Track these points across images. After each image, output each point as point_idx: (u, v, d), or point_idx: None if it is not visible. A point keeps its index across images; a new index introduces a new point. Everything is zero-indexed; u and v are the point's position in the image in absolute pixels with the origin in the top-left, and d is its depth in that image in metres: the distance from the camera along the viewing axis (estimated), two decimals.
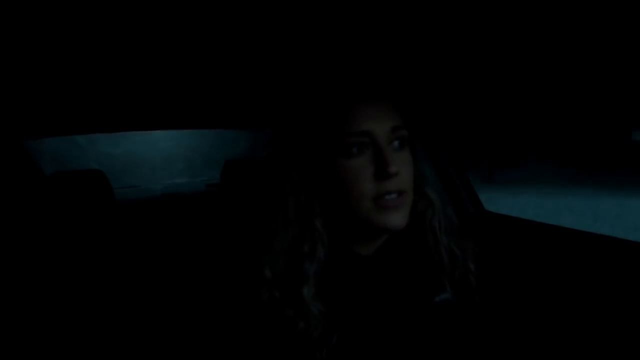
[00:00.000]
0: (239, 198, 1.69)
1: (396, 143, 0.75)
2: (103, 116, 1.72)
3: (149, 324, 1.52)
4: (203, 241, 1.36)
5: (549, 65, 1.16)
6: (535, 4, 0.76)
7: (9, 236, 1.57)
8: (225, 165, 1.76)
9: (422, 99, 1.47)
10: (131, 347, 1.50)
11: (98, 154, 4.01)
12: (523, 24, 0.88)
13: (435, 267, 0.82)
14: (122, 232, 1.86)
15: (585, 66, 1.14)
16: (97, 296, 1.59)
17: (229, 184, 1.73)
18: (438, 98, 1.52)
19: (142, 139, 4.32)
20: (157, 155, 4.42)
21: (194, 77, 1.36)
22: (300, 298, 0.71)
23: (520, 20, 0.85)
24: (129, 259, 1.73)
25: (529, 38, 0.96)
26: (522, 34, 0.94)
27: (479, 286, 0.83)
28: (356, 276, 0.77)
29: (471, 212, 1.59)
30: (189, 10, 0.80)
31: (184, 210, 2.18)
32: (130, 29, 0.88)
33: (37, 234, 1.65)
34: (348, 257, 0.78)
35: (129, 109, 1.68)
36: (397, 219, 0.73)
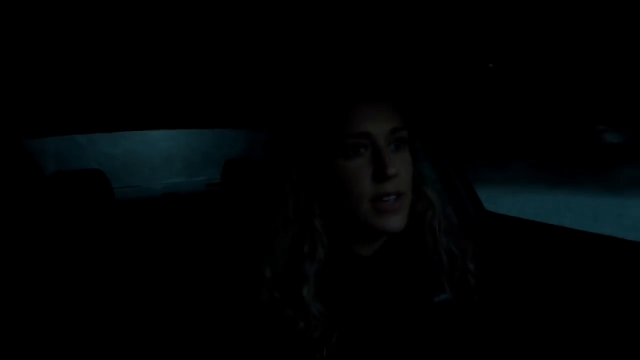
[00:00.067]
0: (239, 198, 1.69)
1: (395, 144, 0.75)
2: (103, 116, 1.72)
3: (149, 324, 1.52)
4: (203, 241, 1.36)
5: (540, 68, 1.17)
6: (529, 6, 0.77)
7: (10, 236, 1.57)
8: (226, 165, 1.76)
9: (422, 99, 1.47)
10: (131, 347, 1.50)
11: (98, 154, 4.01)
12: (516, 25, 0.88)
13: (435, 267, 0.82)
14: (123, 232, 1.86)
15: (563, 72, 1.16)
16: (97, 296, 1.59)
17: (229, 184, 1.73)
18: (438, 98, 1.52)
19: (142, 139, 4.33)
20: (157, 155, 4.43)
21: (194, 78, 1.36)
22: (300, 298, 0.71)
23: (513, 21, 0.85)
24: (130, 259, 1.73)
25: (525, 39, 0.96)
26: (516, 36, 0.94)
27: (478, 286, 0.83)
28: (356, 277, 0.77)
29: (471, 212, 1.60)
30: (188, 11, 0.80)
31: (184, 210, 2.17)
32: (130, 29, 0.88)
33: (37, 234, 1.65)
34: (348, 258, 0.78)
35: (129, 108, 1.68)
36: (396, 222, 0.73)
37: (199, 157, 4.46)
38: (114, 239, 1.79)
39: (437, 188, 0.88)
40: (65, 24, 0.83)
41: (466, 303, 0.82)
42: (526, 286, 1.22)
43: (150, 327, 1.50)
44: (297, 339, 0.71)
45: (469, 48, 1.04)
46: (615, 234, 1.18)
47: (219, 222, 1.36)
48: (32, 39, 0.89)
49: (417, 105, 1.46)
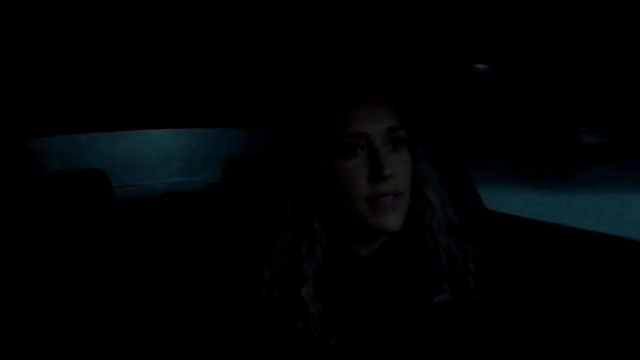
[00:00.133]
0: (239, 197, 1.69)
1: (393, 144, 0.75)
2: (103, 115, 1.72)
3: (148, 324, 1.52)
4: (203, 241, 1.36)
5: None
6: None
7: (10, 235, 1.57)
8: (226, 165, 1.76)
9: (421, 98, 1.47)
10: (131, 346, 1.50)
11: (98, 154, 4.02)
12: (511, 24, 0.88)
13: (434, 268, 0.82)
14: (123, 231, 1.86)
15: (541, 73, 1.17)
16: (96, 294, 1.59)
17: (229, 183, 1.73)
18: (438, 96, 1.52)
19: (141, 138, 4.35)
20: (156, 154, 4.45)
21: (193, 77, 1.36)
22: (298, 298, 0.71)
23: (508, 20, 0.85)
24: (130, 258, 1.74)
25: (521, 38, 0.96)
26: (512, 35, 0.94)
27: (478, 287, 0.82)
28: (355, 277, 0.77)
29: (472, 210, 1.59)
30: (188, 11, 0.80)
31: (184, 210, 2.18)
32: (129, 29, 0.88)
33: (37, 233, 1.65)
34: (347, 258, 0.78)
35: (130, 107, 1.68)
36: (392, 220, 0.72)
37: (198, 157, 4.47)
38: (113, 238, 1.80)
39: (438, 187, 0.88)
40: (65, 24, 0.83)
41: (465, 303, 0.82)
42: (527, 285, 1.22)
43: (150, 327, 1.50)
44: (295, 339, 0.71)
45: (466, 46, 1.04)
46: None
47: (219, 221, 1.36)
48: (32, 38, 0.89)
49: (416, 104, 1.46)
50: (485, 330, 0.84)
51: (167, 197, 2.49)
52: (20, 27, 0.82)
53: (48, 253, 1.63)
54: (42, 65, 1.11)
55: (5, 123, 1.57)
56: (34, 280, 1.53)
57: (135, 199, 2.46)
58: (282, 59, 1.14)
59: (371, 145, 0.72)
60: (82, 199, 1.69)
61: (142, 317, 1.55)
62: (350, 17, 0.84)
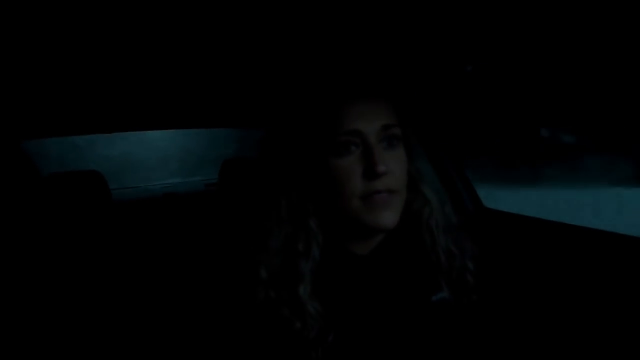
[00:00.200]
0: (236, 197, 1.69)
1: (388, 141, 0.74)
2: (100, 116, 1.72)
3: (147, 325, 1.52)
4: (200, 241, 1.36)
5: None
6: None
7: (5, 239, 1.56)
8: (223, 165, 1.75)
9: (418, 95, 1.47)
10: (128, 347, 1.49)
11: (97, 156, 4.03)
12: (506, 23, 0.88)
13: (432, 266, 0.81)
14: (121, 233, 1.86)
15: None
16: (95, 297, 1.58)
17: (226, 183, 1.73)
18: (436, 94, 1.52)
19: (138, 139, 4.35)
20: (153, 155, 4.45)
21: (189, 78, 1.36)
22: (296, 297, 0.71)
23: (503, 18, 0.85)
24: (128, 260, 1.73)
25: (516, 37, 0.96)
26: (506, 33, 0.95)
27: (477, 285, 0.82)
28: (352, 275, 0.77)
29: (470, 209, 1.59)
30: (184, 13, 0.80)
31: (182, 210, 2.17)
32: (126, 30, 0.88)
33: (32, 236, 1.65)
34: (343, 257, 0.77)
35: (126, 109, 1.67)
36: (387, 217, 0.72)
37: (194, 158, 4.48)
38: (111, 240, 1.79)
39: (435, 185, 0.88)
40: (62, 25, 0.83)
41: (464, 302, 0.81)
42: (525, 283, 1.22)
43: (148, 328, 1.50)
44: (292, 338, 0.71)
45: (462, 44, 1.04)
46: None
47: (216, 221, 1.36)
48: (29, 40, 0.89)
49: (413, 102, 1.46)
50: (484, 329, 0.84)
51: (165, 198, 2.49)
52: (18, 29, 0.82)
53: (44, 256, 1.63)
54: (38, 67, 1.11)
55: (1, 125, 1.57)
56: (31, 284, 1.53)
57: (134, 201, 2.46)
58: (277, 58, 1.14)
59: (365, 142, 0.72)
60: (78, 202, 1.68)
61: (141, 318, 1.55)
62: (345, 15, 0.84)
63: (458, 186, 1.58)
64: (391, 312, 0.76)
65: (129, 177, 3.87)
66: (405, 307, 0.77)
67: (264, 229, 0.75)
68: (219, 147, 4.11)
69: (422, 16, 0.86)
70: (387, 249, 0.80)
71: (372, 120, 0.73)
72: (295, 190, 0.76)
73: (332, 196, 0.73)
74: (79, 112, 1.64)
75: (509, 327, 1.00)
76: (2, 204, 1.59)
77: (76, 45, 0.95)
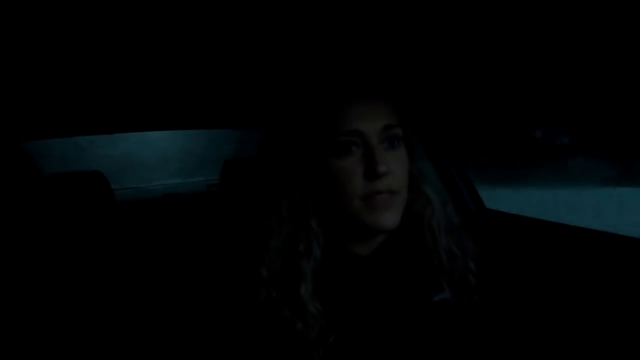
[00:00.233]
0: (238, 198, 1.69)
1: (389, 142, 0.74)
2: (101, 117, 1.72)
3: (149, 326, 1.52)
4: (202, 242, 1.36)
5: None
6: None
7: (6, 239, 1.56)
8: (225, 165, 1.75)
9: (420, 96, 1.47)
10: (131, 347, 1.50)
11: (98, 156, 4.04)
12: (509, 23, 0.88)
13: (434, 267, 0.81)
14: (123, 234, 1.86)
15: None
16: (97, 297, 1.59)
17: (228, 183, 1.73)
18: (437, 94, 1.52)
19: (139, 139, 4.36)
20: (154, 156, 4.46)
21: (190, 78, 1.36)
22: (297, 297, 0.71)
23: (506, 18, 0.85)
24: (130, 261, 1.73)
25: (518, 37, 0.97)
26: (509, 33, 0.95)
27: (478, 285, 0.82)
28: (353, 276, 0.76)
29: (472, 209, 1.59)
30: (184, 14, 0.80)
31: (185, 211, 2.17)
32: (126, 31, 0.88)
33: (33, 237, 1.65)
34: (345, 257, 0.77)
35: (128, 110, 1.67)
36: (388, 218, 0.72)
37: (194, 158, 4.50)
38: (114, 241, 1.79)
39: (437, 186, 0.88)
40: (64, 26, 0.83)
41: (466, 302, 0.81)
42: (527, 284, 1.21)
43: (150, 329, 1.50)
44: (294, 338, 0.71)
45: (464, 44, 1.04)
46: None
47: (218, 222, 1.36)
48: (30, 41, 0.89)
49: (414, 102, 1.45)
50: (485, 329, 0.83)
51: (167, 198, 2.49)
52: (19, 29, 0.82)
53: (47, 257, 1.63)
54: (39, 68, 1.11)
55: (1, 125, 1.57)
56: (34, 284, 1.53)
57: (136, 201, 2.46)
58: (278, 58, 1.14)
59: (366, 143, 0.72)
60: (80, 202, 1.68)
61: (143, 318, 1.55)
62: (346, 15, 0.84)
63: (459, 186, 1.58)
64: (392, 313, 0.76)
65: (130, 177, 3.88)
66: (407, 308, 0.77)
67: (265, 229, 0.75)
68: (219, 147, 4.12)
69: (423, 16, 0.86)
70: (388, 249, 0.80)
71: (373, 121, 0.72)
72: (296, 190, 0.76)
73: (333, 196, 0.73)
74: (79, 113, 1.64)
75: (510, 328, 1.00)
76: (3, 205, 1.60)
77: (77, 46, 0.96)
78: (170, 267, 1.64)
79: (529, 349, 1.11)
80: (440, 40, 1.00)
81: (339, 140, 0.72)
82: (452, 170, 1.59)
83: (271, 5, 0.78)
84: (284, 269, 0.73)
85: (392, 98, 0.78)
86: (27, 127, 1.66)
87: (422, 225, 0.82)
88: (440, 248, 0.81)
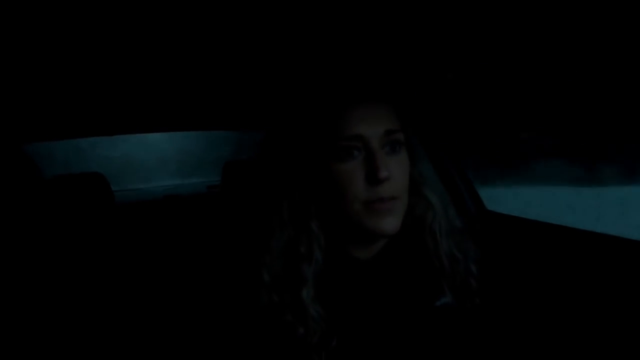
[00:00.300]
0: (239, 200, 1.69)
1: (390, 146, 0.74)
2: (101, 119, 1.72)
3: (149, 328, 1.51)
4: (203, 244, 1.36)
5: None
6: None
7: (8, 241, 1.56)
8: (225, 167, 1.75)
9: (420, 99, 1.47)
10: (131, 350, 1.49)
11: (99, 157, 4.04)
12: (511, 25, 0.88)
13: (435, 271, 0.81)
14: (124, 236, 1.85)
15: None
16: (99, 299, 1.58)
17: (229, 185, 1.73)
18: (437, 97, 1.52)
19: (139, 141, 4.37)
20: (152, 157, 4.48)
21: (192, 81, 1.36)
22: (299, 300, 0.71)
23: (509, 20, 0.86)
24: (131, 263, 1.73)
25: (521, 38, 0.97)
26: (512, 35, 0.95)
27: (480, 289, 0.81)
28: (354, 280, 0.76)
29: (472, 211, 1.59)
30: (186, 16, 0.80)
31: (185, 213, 2.17)
32: (127, 33, 0.88)
33: (35, 238, 1.65)
34: (345, 261, 0.77)
35: (128, 111, 1.67)
36: (389, 223, 0.71)
37: (194, 159, 4.51)
38: (114, 243, 1.79)
39: (438, 189, 0.88)
40: (65, 29, 0.83)
41: (467, 306, 0.81)
42: (529, 287, 1.21)
43: (150, 332, 1.50)
44: (296, 343, 0.70)
45: (466, 47, 1.04)
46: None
47: (219, 224, 1.36)
48: (31, 43, 0.89)
49: (415, 106, 1.46)
50: (488, 333, 0.83)
51: (167, 200, 2.48)
52: (20, 32, 0.82)
53: (48, 259, 1.63)
54: (40, 70, 1.11)
55: (2, 128, 1.57)
56: (36, 286, 1.53)
57: (136, 203, 2.45)
58: (280, 61, 1.14)
59: (368, 147, 0.71)
60: (81, 204, 1.68)
61: (144, 320, 1.54)
62: (348, 18, 0.84)
63: (460, 188, 1.58)
64: (394, 317, 0.76)
65: (130, 178, 3.88)
66: (409, 312, 0.77)
67: (265, 232, 0.75)
68: (217, 149, 4.14)
69: (426, 20, 0.86)
70: (389, 253, 0.79)
71: (375, 125, 0.72)
72: (297, 193, 0.76)
73: (334, 200, 0.73)
74: (80, 115, 1.64)
75: (512, 332, 1.00)
76: (5, 206, 1.60)
77: (78, 49, 0.96)
78: (171, 269, 1.64)
79: (532, 354, 1.10)
80: (441, 44, 1.00)
81: (340, 145, 0.72)
82: (453, 171, 1.59)
83: (273, 7, 0.78)
84: (285, 272, 0.73)
85: (394, 102, 0.78)
86: (28, 130, 1.66)
87: (423, 229, 0.81)
88: (441, 252, 0.81)
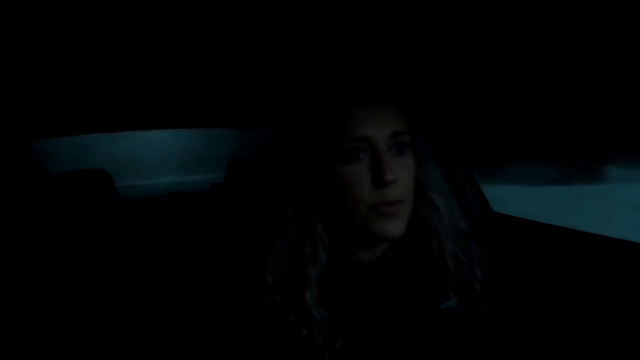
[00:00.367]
0: (242, 198, 1.69)
1: (397, 149, 0.73)
2: (104, 116, 1.72)
3: (153, 326, 1.52)
4: (207, 242, 1.36)
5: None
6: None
7: (13, 237, 1.57)
8: (229, 165, 1.75)
9: (427, 100, 1.46)
10: (134, 348, 1.49)
11: (102, 154, 4.06)
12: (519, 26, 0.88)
13: (440, 274, 0.80)
14: (127, 232, 1.86)
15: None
16: (102, 296, 1.59)
17: (233, 183, 1.72)
18: (443, 98, 1.51)
19: (141, 138, 4.39)
20: (155, 154, 4.49)
21: (196, 79, 1.36)
22: (302, 302, 0.71)
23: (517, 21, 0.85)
24: (134, 259, 1.73)
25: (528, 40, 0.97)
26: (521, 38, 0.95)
27: (485, 293, 0.81)
28: (359, 283, 0.76)
29: (478, 212, 1.58)
30: (190, 13, 0.80)
31: (189, 210, 2.17)
32: (130, 30, 0.88)
33: (39, 235, 1.65)
34: (349, 264, 0.77)
35: (131, 109, 1.67)
36: (394, 227, 0.71)
37: (195, 156, 4.54)
38: (118, 239, 1.79)
39: (444, 190, 0.87)
40: (69, 27, 0.82)
41: (472, 310, 0.80)
42: (535, 290, 1.20)
43: (154, 329, 1.50)
44: (299, 344, 0.70)
45: (471, 48, 1.04)
46: None
47: (223, 222, 1.36)
48: (35, 41, 0.89)
49: (422, 107, 1.45)
50: (492, 339, 0.83)
51: (171, 197, 2.48)
52: (24, 30, 0.82)
53: (52, 255, 1.63)
54: (44, 68, 1.11)
55: (7, 125, 1.57)
56: (40, 282, 1.53)
57: (140, 200, 2.46)
58: (287, 61, 1.14)
59: (374, 149, 0.71)
60: (85, 200, 1.68)
61: (147, 319, 1.55)
62: (356, 19, 0.83)
63: (466, 189, 1.57)
64: (399, 320, 0.76)
65: (133, 174, 3.90)
66: (413, 315, 0.77)
67: (270, 232, 0.75)
68: (218, 146, 4.16)
69: (433, 21, 0.85)
70: (394, 256, 0.79)
71: (382, 127, 0.71)
72: (302, 194, 0.75)
73: (340, 202, 0.72)
74: (84, 112, 1.64)
75: (518, 338, 0.99)
76: (10, 203, 1.60)
77: (82, 47, 0.95)
78: (176, 267, 1.64)
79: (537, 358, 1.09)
80: (450, 45, 1.00)
81: (346, 146, 0.71)
82: (459, 172, 1.58)
83: (281, 7, 0.77)
84: (290, 273, 0.73)
85: (401, 104, 0.77)
86: (33, 127, 1.66)
87: (428, 231, 0.81)
88: (446, 254, 0.80)
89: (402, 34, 0.92)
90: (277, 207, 0.76)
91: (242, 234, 0.82)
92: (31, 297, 1.49)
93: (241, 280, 0.76)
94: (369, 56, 1.06)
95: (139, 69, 1.20)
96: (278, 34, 0.92)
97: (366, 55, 1.05)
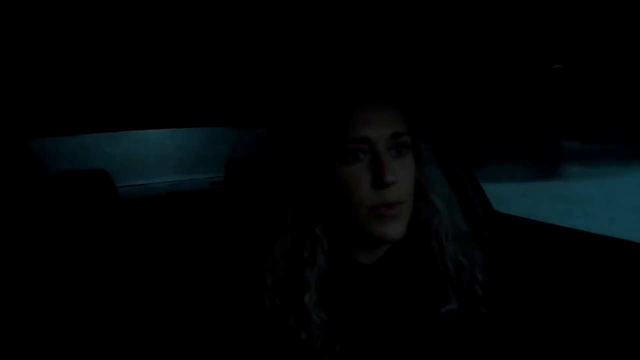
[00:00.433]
0: (242, 197, 1.68)
1: (397, 150, 0.72)
2: (104, 116, 1.72)
3: (152, 326, 1.51)
4: (207, 242, 1.36)
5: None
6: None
7: (12, 237, 1.56)
8: (229, 164, 1.74)
9: (427, 100, 1.46)
10: (133, 350, 1.49)
11: (102, 153, 4.07)
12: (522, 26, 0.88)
13: (441, 276, 0.80)
14: (127, 232, 1.85)
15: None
16: (102, 296, 1.58)
17: (232, 182, 1.72)
18: (443, 98, 1.51)
19: (140, 138, 4.40)
20: (154, 153, 4.51)
21: (196, 78, 1.35)
22: (301, 305, 0.70)
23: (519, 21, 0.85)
24: (134, 259, 1.73)
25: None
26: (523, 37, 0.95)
27: (486, 296, 0.80)
28: (358, 285, 0.75)
29: (480, 212, 1.58)
30: (190, 12, 0.79)
31: (188, 209, 2.17)
32: (130, 29, 0.87)
33: (39, 235, 1.65)
34: (348, 266, 0.76)
35: (131, 108, 1.67)
36: (394, 229, 0.70)
37: (194, 156, 4.57)
38: (118, 238, 1.79)
39: (445, 192, 0.86)
40: (68, 27, 0.82)
41: (473, 314, 0.80)
42: (537, 292, 1.19)
43: (152, 331, 1.50)
44: (298, 348, 0.70)
45: (473, 47, 1.04)
46: None
47: (222, 223, 1.35)
48: (34, 40, 0.88)
49: (423, 107, 1.44)
50: (493, 343, 0.82)
51: (170, 196, 2.48)
52: (23, 29, 0.82)
53: (52, 255, 1.63)
54: (43, 67, 1.10)
55: (6, 124, 1.56)
56: (39, 281, 1.53)
57: (139, 199, 2.45)
58: (286, 61, 1.13)
59: (374, 150, 0.70)
60: (85, 200, 1.68)
61: (146, 320, 1.54)
62: (356, 19, 0.83)
63: (467, 190, 1.56)
64: (399, 324, 0.75)
65: (132, 173, 3.91)
66: (413, 319, 0.76)
67: (269, 234, 0.74)
68: (217, 146, 4.19)
69: (434, 22, 0.85)
70: (393, 258, 0.78)
71: (382, 128, 0.71)
72: (301, 196, 0.75)
73: (339, 203, 0.71)
74: (84, 112, 1.64)
75: (519, 342, 0.98)
76: (9, 203, 1.60)
77: (82, 47, 0.95)
78: (175, 267, 1.63)
79: None
80: (451, 46, 0.99)
81: (346, 147, 0.70)
82: (460, 172, 1.58)
83: (281, 7, 0.77)
84: (289, 276, 0.72)
85: (401, 104, 0.76)
86: (33, 126, 1.66)
87: (428, 233, 0.80)
88: (447, 257, 0.79)
89: (402, 34, 0.92)
90: (277, 210, 0.75)
91: (242, 235, 0.81)
92: (31, 297, 1.49)
93: (240, 282, 0.75)
94: (369, 57, 1.05)
95: (139, 69, 1.20)
96: (278, 34, 0.92)
97: (366, 56, 1.05)
